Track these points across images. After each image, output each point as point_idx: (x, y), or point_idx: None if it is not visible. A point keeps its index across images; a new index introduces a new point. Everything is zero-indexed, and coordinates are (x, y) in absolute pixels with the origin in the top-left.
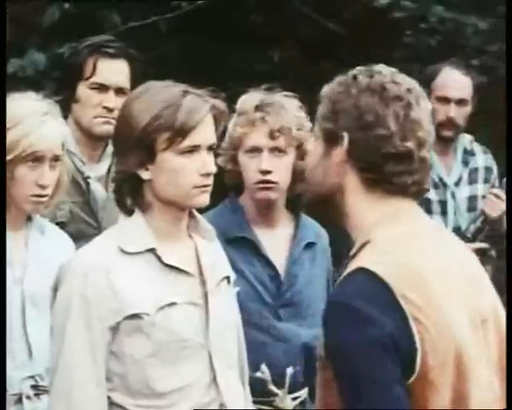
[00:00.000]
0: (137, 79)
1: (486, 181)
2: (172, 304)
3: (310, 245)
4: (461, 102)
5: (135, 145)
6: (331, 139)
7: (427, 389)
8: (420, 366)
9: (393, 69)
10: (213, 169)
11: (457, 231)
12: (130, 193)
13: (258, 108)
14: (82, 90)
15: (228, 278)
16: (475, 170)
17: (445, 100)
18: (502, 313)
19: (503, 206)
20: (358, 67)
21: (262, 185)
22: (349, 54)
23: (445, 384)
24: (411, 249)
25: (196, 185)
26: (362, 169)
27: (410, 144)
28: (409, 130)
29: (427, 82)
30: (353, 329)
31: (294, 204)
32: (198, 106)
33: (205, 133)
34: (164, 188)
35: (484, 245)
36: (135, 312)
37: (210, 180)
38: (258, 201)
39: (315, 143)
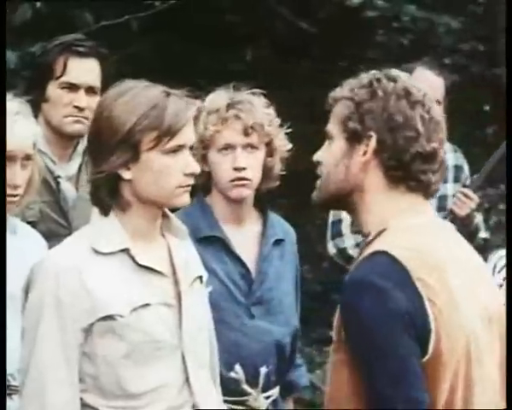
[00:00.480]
0: (108, 78)
1: (457, 180)
2: (146, 305)
3: (278, 242)
4: None
5: (118, 145)
6: (355, 139)
7: (439, 371)
8: (433, 347)
9: (407, 74)
10: (198, 169)
11: None
12: (109, 193)
13: (230, 105)
14: (52, 89)
15: (201, 277)
16: (445, 169)
17: None
18: (503, 314)
19: (472, 205)
20: (374, 71)
21: (237, 183)
22: (322, 53)
23: (457, 369)
24: (427, 238)
25: (180, 185)
26: (388, 167)
27: (435, 145)
28: (432, 131)
29: None
30: (373, 303)
31: (262, 201)
32: (184, 107)
33: (188, 133)
34: (147, 187)
35: None
36: (108, 313)
37: (192, 180)
38: (232, 199)
39: (332, 143)
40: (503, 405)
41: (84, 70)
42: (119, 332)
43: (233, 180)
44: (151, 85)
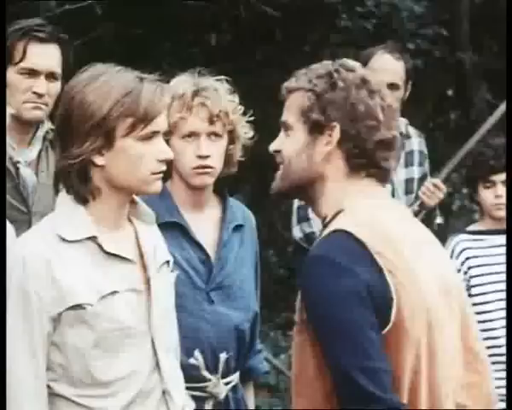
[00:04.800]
0: (69, 63)
1: (421, 164)
2: (114, 292)
3: (238, 227)
4: (392, 86)
5: (92, 131)
6: (317, 130)
7: (402, 339)
8: (395, 316)
9: (358, 63)
10: (172, 155)
11: None
12: (80, 180)
13: (196, 92)
14: (11, 74)
15: (168, 262)
16: (411, 153)
17: None
18: (462, 288)
19: (440, 195)
20: (326, 62)
21: (200, 170)
22: (285, 38)
23: (419, 337)
24: (382, 215)
25: (154, 172)
26: (351, 156)
27: (394, 132)
28: (391, 119)
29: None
30: (331, 278)
31: (221, 187)
32: (159, 93)
33: (163, 120)
34: (120, 174)
35: None
36: (77, 302)
37: (165, 166)
38: (194, 186)
39: (293, 133)
40: (469, 375)
41: (45, 56)
42: (89, 321)
43: (196, 168)
44: (123, 70)
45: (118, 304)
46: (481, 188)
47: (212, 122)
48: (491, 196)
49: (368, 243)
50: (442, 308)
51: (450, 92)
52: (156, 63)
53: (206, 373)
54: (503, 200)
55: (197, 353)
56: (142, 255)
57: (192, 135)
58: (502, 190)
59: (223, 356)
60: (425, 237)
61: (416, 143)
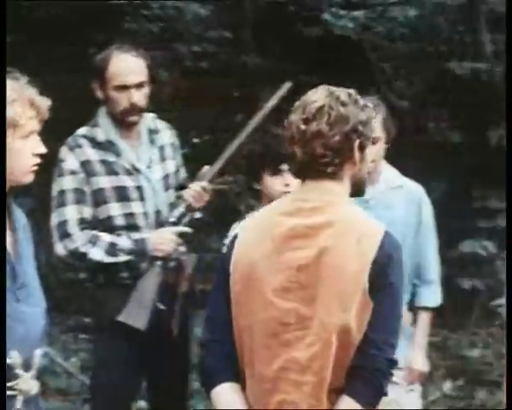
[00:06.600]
0: None
1: (174, 158)
2: None
3: (23, 226)
4: (139, 85)
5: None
6: None
7: (233, 296)
8: (232, 281)
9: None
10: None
11: (158, 214)
12: None
13: (34, 92)
14: None
15: None
16: (162, 147)
17: (125, 87)
18: (329, 257)
19: (206, 198)
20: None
21: (34, 168)
22: (73, 38)
23: (239, 297)
24: (266, 209)
25: (32, 165)
26: None
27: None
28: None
29: (99, 72)
30: None
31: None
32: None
33: None
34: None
35: (187, 229)
36: None
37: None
38: (22, 184)
39: None
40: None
41: None
42: None
43: (33, 166)
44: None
45: None
46: (268, 178)
47: (40, 121)
48: (280, 185)
49: (239, 233)
50: (279, 280)
51: (236, 94)
52: None
53: (18, 371)
54: (291, 188)
55: (13, 352)
56: None
57: (30, 134)
58: (290, 178)
59: (38, 352)
60: (287, 227)
61: (167, 136)
